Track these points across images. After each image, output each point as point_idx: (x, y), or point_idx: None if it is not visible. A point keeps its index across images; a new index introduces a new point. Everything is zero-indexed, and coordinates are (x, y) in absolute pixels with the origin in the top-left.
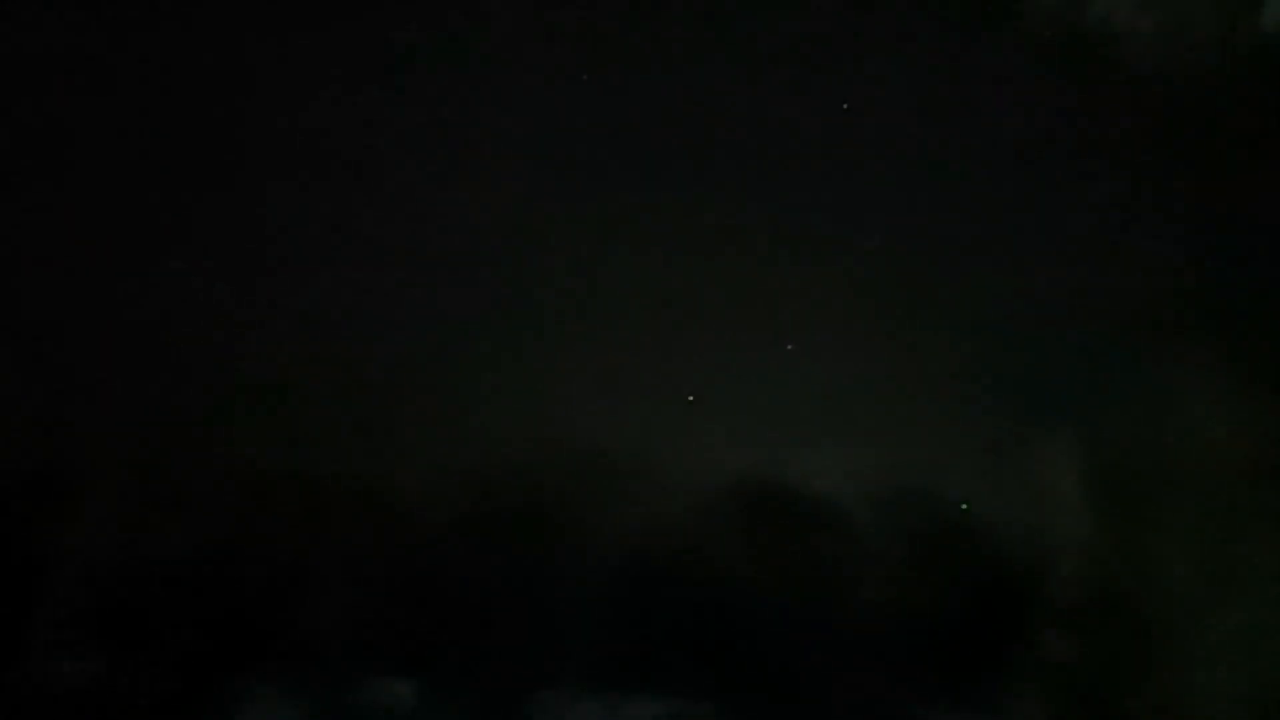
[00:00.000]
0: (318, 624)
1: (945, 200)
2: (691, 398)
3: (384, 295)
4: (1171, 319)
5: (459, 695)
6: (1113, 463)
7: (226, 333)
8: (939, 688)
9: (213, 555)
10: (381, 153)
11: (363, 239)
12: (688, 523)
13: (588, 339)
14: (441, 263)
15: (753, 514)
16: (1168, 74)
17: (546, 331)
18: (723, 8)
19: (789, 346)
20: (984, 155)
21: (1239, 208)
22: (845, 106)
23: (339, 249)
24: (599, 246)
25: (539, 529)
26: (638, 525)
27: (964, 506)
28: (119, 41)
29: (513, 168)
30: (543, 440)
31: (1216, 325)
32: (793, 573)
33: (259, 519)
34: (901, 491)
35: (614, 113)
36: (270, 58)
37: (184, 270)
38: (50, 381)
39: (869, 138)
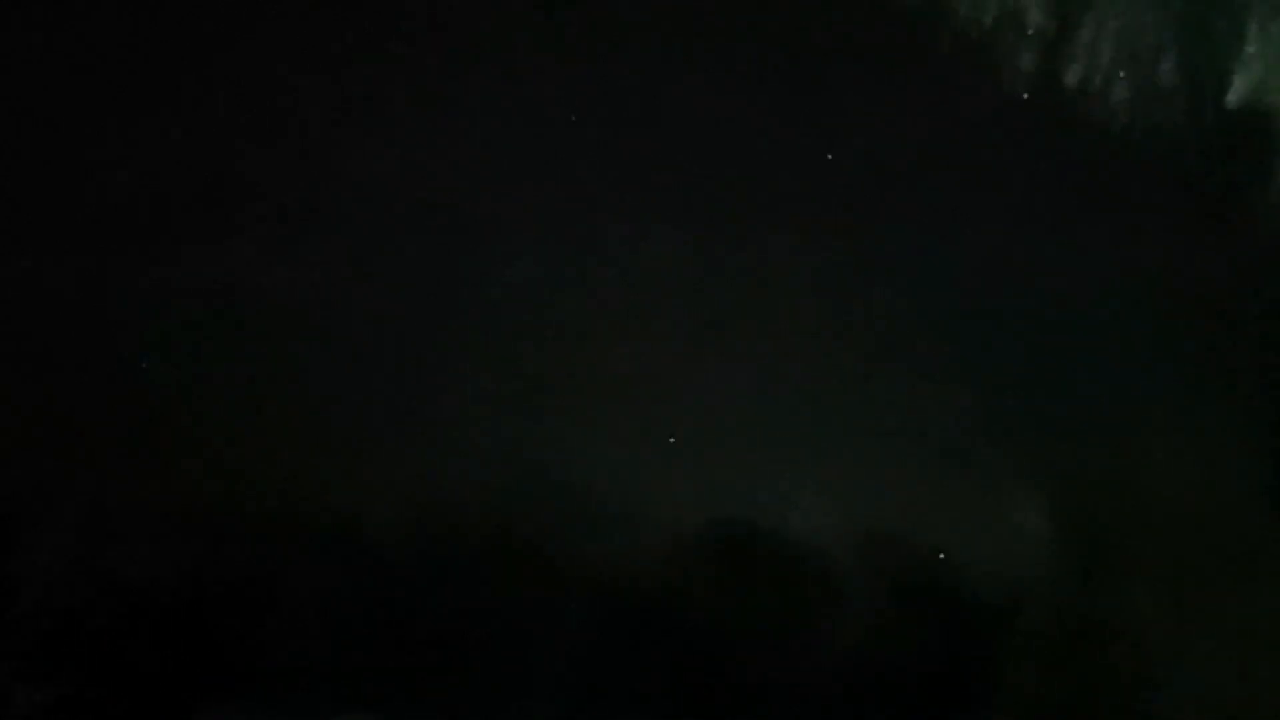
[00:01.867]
0: (288, 657)
1: (925, 250)
2: (673, 439)
3: (363, 326)
4: (1143, 367)
5: None
6: (1085, 512)
7: (200, 359)
8: None
9: (181, 585)
10: (364, 191)
11: (343, 269)
12: (667, 562)
13: (572, 379)
14: (423, 296)
15: (731, 555)
16: (1139, 138)
17: (530, 370)
18: (713, 61)
19: (770, 390)
20: (963, 208)
21: (1205, 262)
22: (830, 157)
23: (319, 278)
24: (585, 288)
25: (518, 566)
26: (617, 564)
27: (941, 556)
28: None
29: (500, 207)
30: (524, 478)
31: (1187, 374)
32: (770, 614)
33: (229, 549)
34: (878, 537)
35: (605, 157)
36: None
37: (154, 293)
38: (15, 403)
39: (852, 187)
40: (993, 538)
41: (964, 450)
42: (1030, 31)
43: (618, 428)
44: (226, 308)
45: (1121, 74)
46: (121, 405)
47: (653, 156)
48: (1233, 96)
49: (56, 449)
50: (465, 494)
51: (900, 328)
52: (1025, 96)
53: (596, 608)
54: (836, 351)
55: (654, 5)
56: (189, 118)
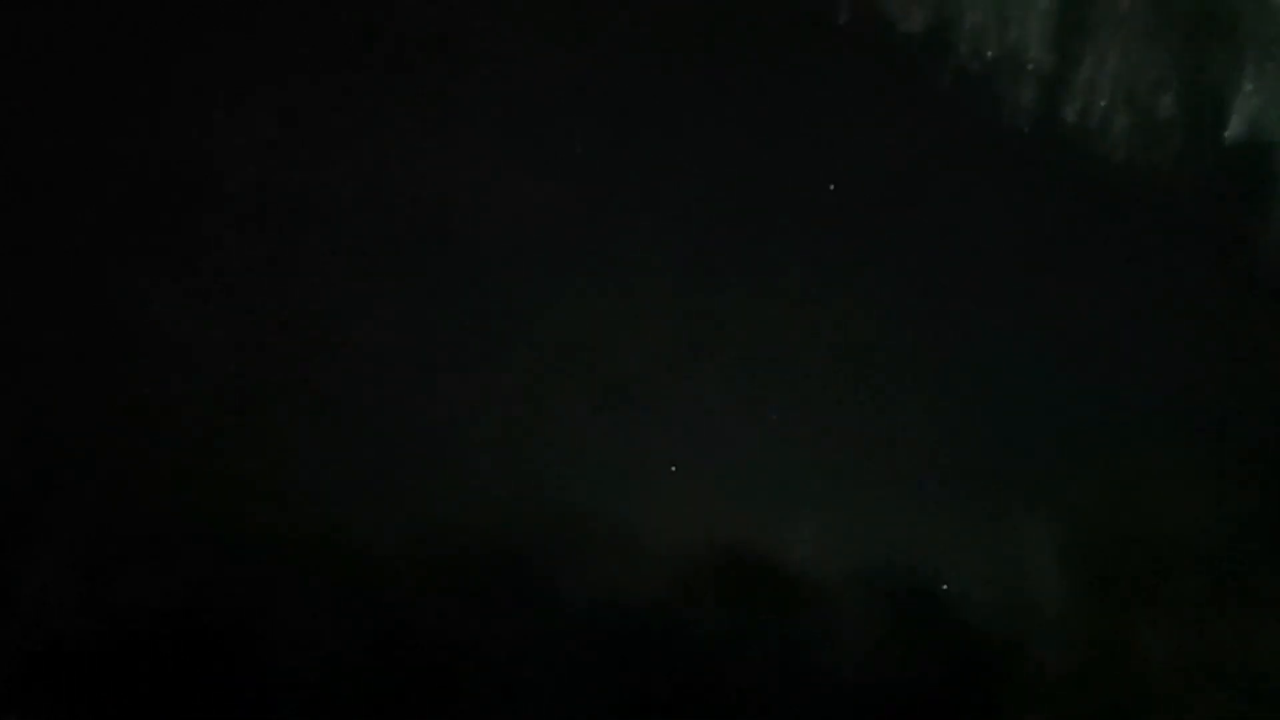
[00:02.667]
0: (287, 682)
1: (927, 281)
2: (674, 466)
3: (365, 354)
4: (1146, 399)
5: None
6: (1089, 543)
7: (201, 386)
8: None
9: (177, 612)
10: (375, 226)
11: (348, 297)
12: (667, 590)
13: (573, 407)
14: (425, 323)
15: (732, 585)
16: (1138, 171)
17: (532, 399)
18: (719, 96)
19: (773, 415)
20: (965, 239)
21: (1206, 294)
22: (832, 187)
23: (318, 298)
24: (588, 317)
25: (518, 592)
26: (617, 589)
27: (944, 586)
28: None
29: (504, 238)
30: (526, 503)
31: (1190, 406)
32: (771, 643)
33: (225, 575)
34: (881, 568)
35: (610, 191)
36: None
37: (157, 319)
38: (12, 427)
39: (854, 218)
40: (996, 569)
41: (967, 481)
42: (1030, 67)
43: (619, 456)
44: (226, 329)
45: (1120, 109)
46: (120, 429)
47: (657, 189)
48: (1230, 132)
49: (52, 473)
50: (467, 521)
51: (903, 358)
52: (1025, 130)
53: (597, 633)
54: (839, 381)
55: (662, 41)
56: (189, 120)
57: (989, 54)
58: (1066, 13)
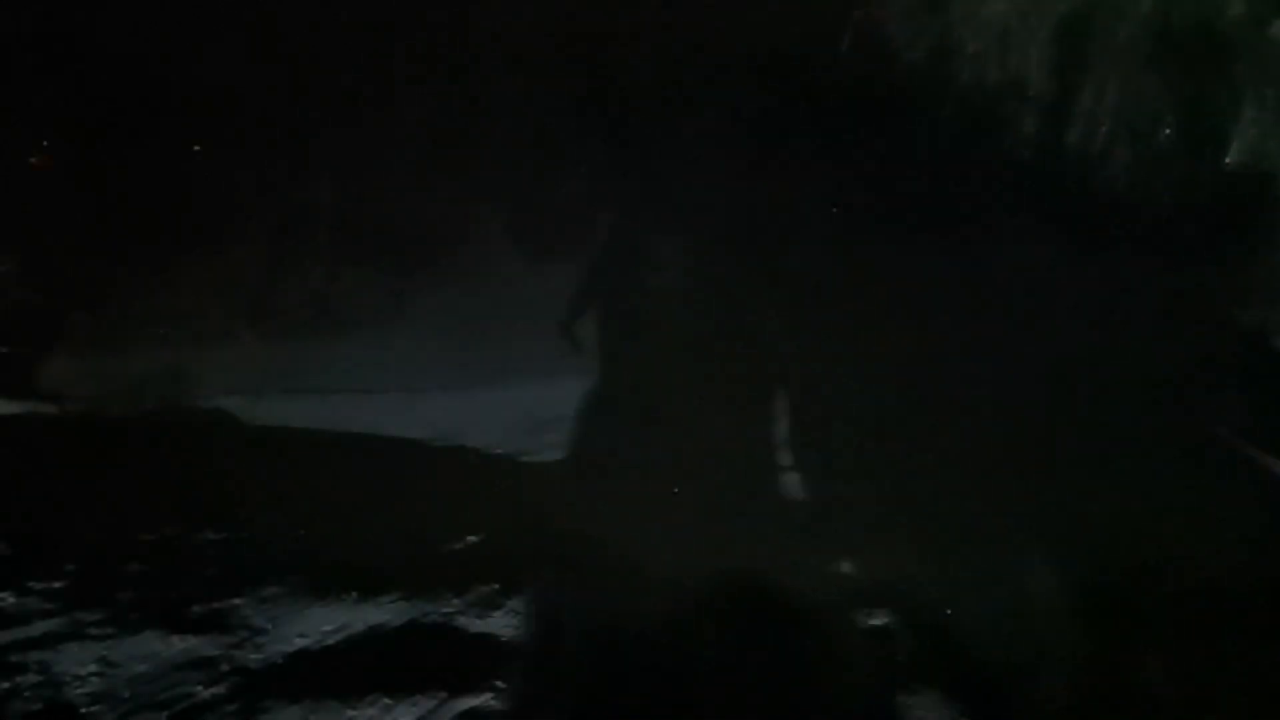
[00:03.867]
0: (287, 700)
1: (928, 305)
2: (677, 488)
3: (367, 365)
4: (1149, 431)
5: None
6: (1094, 566)
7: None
8: None
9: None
10: (375, 231)
11: (345, 304)
12: (668, 614)
13: (574, 426)
14: (427, 336)
15: (734, 608)
16: (1139, 200)
17: (532, 414)
18: (717, 119)
19: (776, 441)
20: (964, 266)
21: (1206, 323)
22: (834, 211)
23: (325, 313)
24: (588, 335)
25: (515, 611)
26: (617, 611)
27: (947, 612)
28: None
29: (507, 255)
30: (524, 523)
31: (1195, 437)
32: (773, 667)
33: (224, 582)
34: (884, 591)
35: (610, 212)
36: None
37: (156, 320)
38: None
39: (856, 242)
40: (999, 595)
41: (971, 506)
42: (1031, 95)
43: (620, 477)
44: (225, 335)
45: (1121, 137)
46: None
47: (659, 213)
48: (1230, 161)
49: (57, 492)
50: (464, 539)
51: (906, 382)
52: (1026, 158)
53: (595, 656)
54: (843, 403)
55: (661, 67)
56: (186, 122)
57: (990, 82)
58: (1067, 42)
